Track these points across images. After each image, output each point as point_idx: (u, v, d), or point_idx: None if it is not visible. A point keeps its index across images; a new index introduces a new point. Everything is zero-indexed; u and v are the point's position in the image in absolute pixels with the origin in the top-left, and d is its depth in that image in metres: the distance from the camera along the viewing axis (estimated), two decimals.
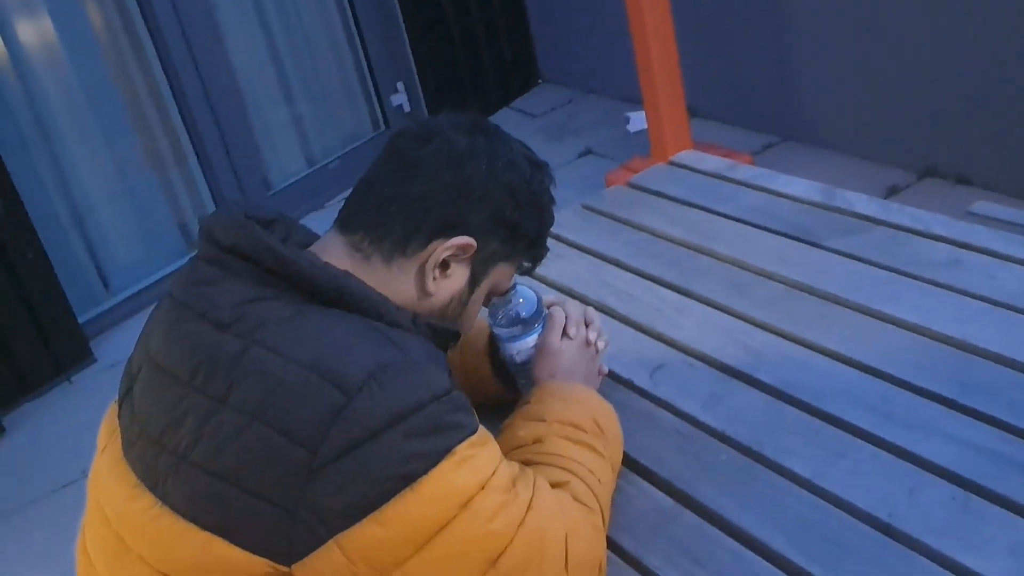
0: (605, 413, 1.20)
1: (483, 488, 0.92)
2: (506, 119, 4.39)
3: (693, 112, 3.87)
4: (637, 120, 3.92)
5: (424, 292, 1.06)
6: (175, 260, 3.44)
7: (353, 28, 3.98)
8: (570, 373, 1.23)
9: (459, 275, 1.08)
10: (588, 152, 3.99)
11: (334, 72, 4.00)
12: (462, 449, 0.92)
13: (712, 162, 2.02)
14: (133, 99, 3.41)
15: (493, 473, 0.94)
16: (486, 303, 1.18)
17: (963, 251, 1.54)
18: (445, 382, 0.95)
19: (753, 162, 3.37)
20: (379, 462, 0.87)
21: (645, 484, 1.23)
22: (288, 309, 0.95)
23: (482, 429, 0.98)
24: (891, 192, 3.07)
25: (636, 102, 3.21)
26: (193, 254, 1.06)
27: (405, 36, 4.17)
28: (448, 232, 1.05)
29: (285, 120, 3.86)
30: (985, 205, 2.04)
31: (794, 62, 3.45)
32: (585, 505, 1.06)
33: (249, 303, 0.96)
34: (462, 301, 1.10)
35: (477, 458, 0.93)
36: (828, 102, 3.39)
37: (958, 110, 2.93)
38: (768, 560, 1.09)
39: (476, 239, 1.06)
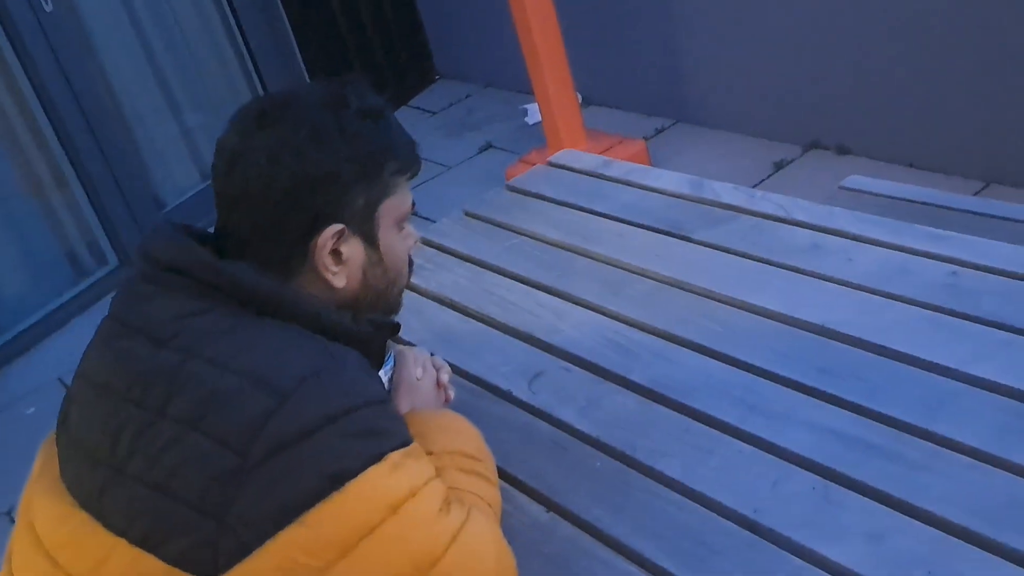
0: (479, 437, 1.20)
1: (414, 496, 0.92)
2: (404, 117, 4.27)
3: (588, 100, 3.91)
4: (534, 112, 3.93)
5: (335, 288, 1.05)
6: (66, 291, 3.34)
7: (238, 34, 3.90)
8: (431, 406, 1.23)
9: (355, 248, 1.06)
10: (489, 146, 3.98)
11: (221, 81, 3.92)
12: (395, 456, 0.92)
13: (588, 160, 2.04)
14: (3, 122, 3.28)
15: (425, 484, 0.94)
16: (403, 230, 1.12)
17: (823, 235, 1.57)
18: (380, 391, 0.97)
19: (646, 147, 3.41)
20: (309, 461, 0.87)
21: (523, 499, 1.24)
22: (226, 321, 0.96)
23: (417, 444, 0.98)
24: (778, 167, 3.13)
25: (533, 94, 3.23)
26: (130, 274, 1.06)
27: (293, 39, 4.11)
28: (312, 232, 1.02)
29: (174, 134, 3.77)
30: (857, 179, 2.09)
31: (680, 46, 3.49)
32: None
33: (187, 317, 0.97)
34: (376, 262, 1.08)
35: (410, 467, 0.93)
36: (715, 83, 3.44)
37: (836, 85, 2.99)
38: (640, 566, 1.10)
39: (339, 217, 1.03)
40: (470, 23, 4.33)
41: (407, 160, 1.09)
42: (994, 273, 1.41)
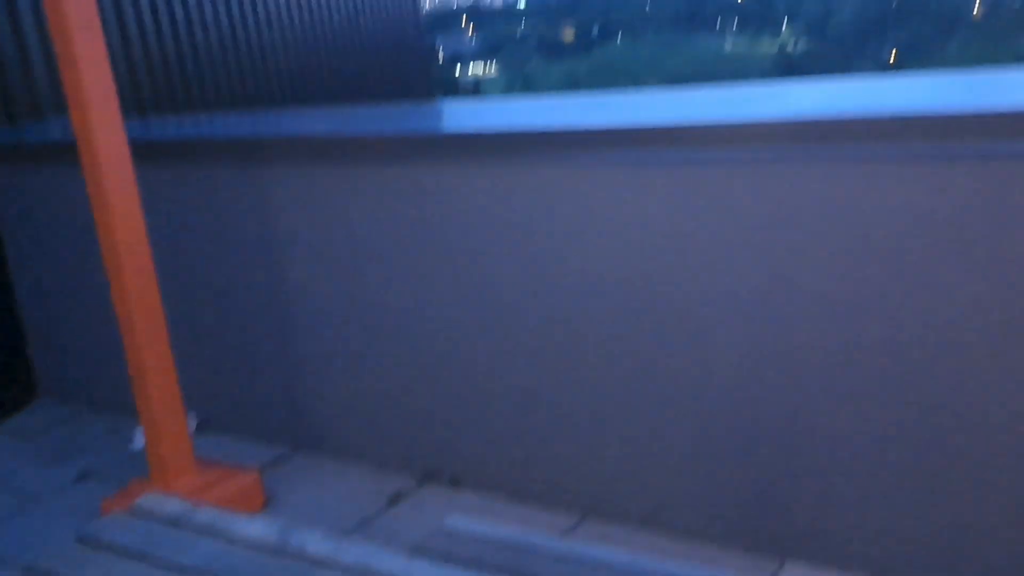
0: None
1: None
2: None
3: (204, 425, 3.75)
4: (142, 437, 3.69)
5: None
6: None
7: None
8: None
9: None
10: (86, 476, 3.64)
11: None
12: None
13: (173, 505, 1.89)
14: None
15: None
16: None
17: None
18: None
19: (260, 478, 3.28)
20: None
21: None
22: None
23: None
24: (394, 499, 3.13)
25: None
26: None
27: None
28: None
29: None
30: (457, 519, 2.11)
31: (300, 375, 3.50)
32: None
33: None
34: None
35: None
36: (335, 413, 3.45)
37: (449, 417, 3.12)
38: None
39: None
40: (77, 338, 4.10)
41: None
42: None
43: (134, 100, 5.02)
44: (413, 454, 3.25)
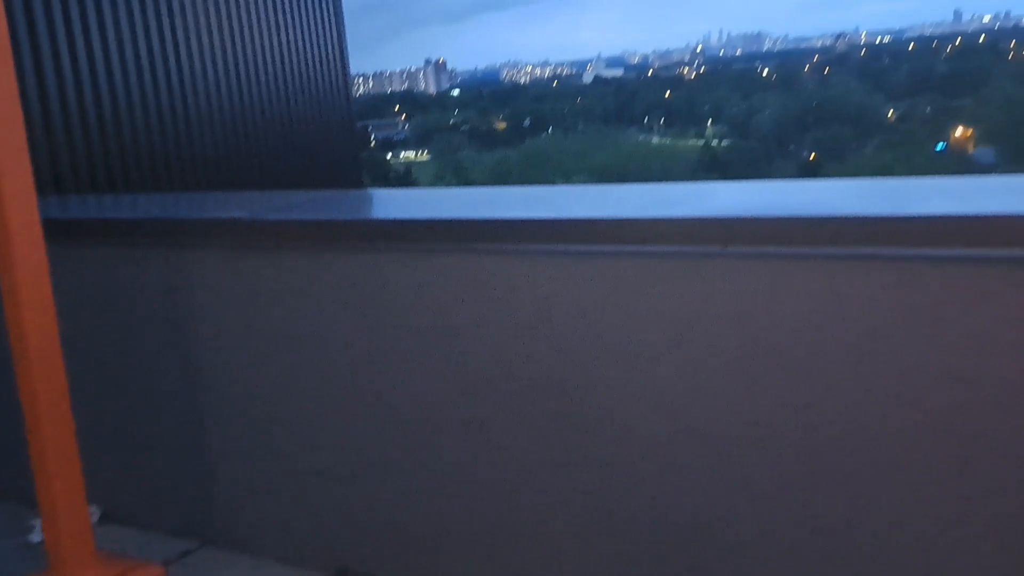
0: None
1: None
2: None
3: (108, 517, 3.59)
4: (41, 529, 3.51)
5: None
6: None
7: None
8: None
9: None
10: None
11: None
12: None
13: None
14: None
15: None
16: None
17: None
18: None
19: (165, 572, 3.13)
20: None
21: None
22: None
23: None
24: None
25: None
26: None
27: None
28: None
29: None
30: None
31: (210, 466, 3.38)
32: None
33: None
34: None
35: None
36: (245, 506, 3.33)
37: (364, 513, 3.03)
38: None
39: None
40: None
41: None
42: None
43: (52, 178, 4.92)
44: (326, 549, 3.14)
